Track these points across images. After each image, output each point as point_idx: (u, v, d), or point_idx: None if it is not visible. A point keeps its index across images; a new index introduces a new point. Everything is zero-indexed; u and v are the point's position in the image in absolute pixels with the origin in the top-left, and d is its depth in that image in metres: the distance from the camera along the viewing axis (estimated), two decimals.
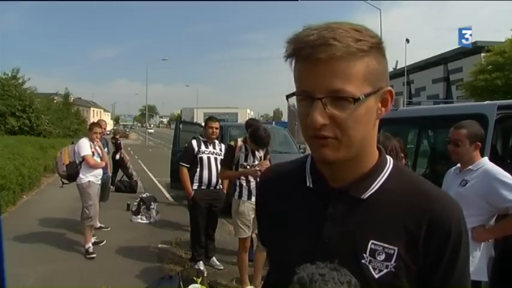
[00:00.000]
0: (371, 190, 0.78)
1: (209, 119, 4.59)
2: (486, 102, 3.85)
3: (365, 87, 0.71)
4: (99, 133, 5.28)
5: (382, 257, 0.75)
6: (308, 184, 0.84)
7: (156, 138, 49.48)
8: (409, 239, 0.75)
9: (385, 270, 0.74)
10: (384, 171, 0.80)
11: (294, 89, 0.77)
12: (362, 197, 0.78)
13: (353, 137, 0.72)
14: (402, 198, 0.77)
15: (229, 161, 3.99)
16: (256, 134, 3.88)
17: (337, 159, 0.74)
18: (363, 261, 0.75)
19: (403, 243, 0.75)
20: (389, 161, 0.83)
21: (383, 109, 0.76)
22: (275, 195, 0.90)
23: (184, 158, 4.50)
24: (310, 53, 0.69)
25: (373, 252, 0.75)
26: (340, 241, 0.77)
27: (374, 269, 0.74)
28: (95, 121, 6.18)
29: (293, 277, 0.70)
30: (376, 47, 0.72)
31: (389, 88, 0.76)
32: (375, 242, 0.75)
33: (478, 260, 2.27)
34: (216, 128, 4.49)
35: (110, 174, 6.54)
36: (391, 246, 0.75)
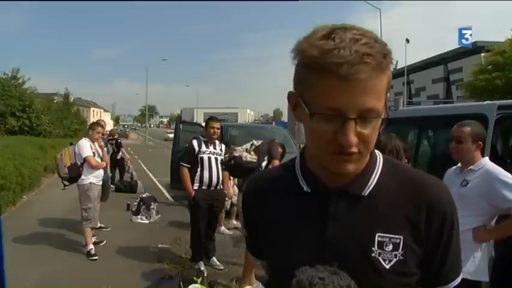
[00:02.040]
0: (370, 186, 0.80)
1: (210, 119, 4.58)
2: (486, 102, 3.85)
3: (384, 100, 0.72)
4: (101, 133, 5.29)
5: (390, 247, 0.77)
6: (305, 189, 0.83)
7: (156, 138, 49.43)
8: (411, 226, 0.78)
9: (395, 260, 0.77)
10: (377, 166, 0.83)
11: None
12: (362, 193, 0.80)
13: (371, 147, 0.76)
14: (398, 189, 0.80)
15: None
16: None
17: (356, 170, 0.77)
18: (372, 254, 0.77)
19: (407, 231, 0.78)
20: (379, 155, 0.85)
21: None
22: (267, 204, 0.88)
23: (185, 158, 4.49)
24: (349, 73, 0.66)
25: (381, 245, 0.77)
26: (347, 239, 0.78)
27: (384, 260, 0.77)
28: (95, 121, 6.17)
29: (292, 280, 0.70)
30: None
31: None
32: (381, 235, 0.77)
33: (478, 260, 2.26)
34: (218, 128, 4.49)
35: (110, 174, 6.54)
36: (396, 236, 0.77)
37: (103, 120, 6.65)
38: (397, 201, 0.79)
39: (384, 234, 0.77)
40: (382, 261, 0.77)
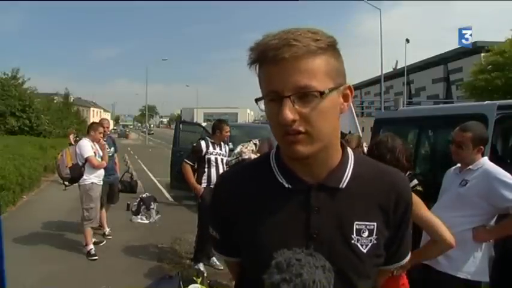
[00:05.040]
0: (346, 179, 0.87)
1: (223, 122, 4.67)
2: (486, 102, 3.85)
3: (328, 83, 0.77)
4: (103, 132, 5.29)
5: (366, 233, 0.85)
6: (286, 186, 0.87)
7: (156, 138, 49.44)
8: (383, 213, 0.87)
9: (370, 244, 0.85)
10: (350, 161, 0.89)
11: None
12: (340, 186, 0.86)
13: (321, 129, 0.78)
14: (370, 181, 0.88)
15: None
16: None
17: (310, 154, 0.79)
18: (352, 241, 0.85)
19: (379, 218, 0.87)
20: (350, 151, 0.92)
21: (345, 104, 0.84)
22: (244, 200, 0.90)
23: (190, 156, 4.56)
24: (275, 55, 0.75)
25: (358, 232, 0.85)
26: (329, 229, 0.84)
27: (362, 246, 0.85)
28: (96, 121, 6.12)
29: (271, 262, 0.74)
30: (333, 45, 0.79)
31: (349, 84, 0.84)
32: (359, 223, 0.85)
33: (479, 261, 2.26)
34: (229, 132, 4.69)
35: (118, 175, 6.47)
36: (371, 223, 0.86)
37: (106, 119, 6.52)
38: (371, 191, 0.87)
39: (361, 222, 0.85)
40: (360, 246, 0.85)
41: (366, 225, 0.85)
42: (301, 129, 0.76)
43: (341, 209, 0.85)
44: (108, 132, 5.99)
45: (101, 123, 5.56)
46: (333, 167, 0.86)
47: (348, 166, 0.88)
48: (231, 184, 0.96)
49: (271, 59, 0.75)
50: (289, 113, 0.75)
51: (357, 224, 0.85)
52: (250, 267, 0.92)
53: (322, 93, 0.75)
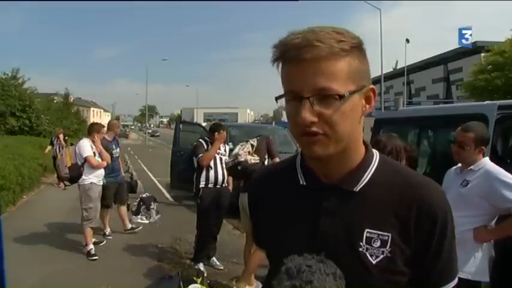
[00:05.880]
0: (362, 183, 0.82)
1: (220, 127, 4.62)
2: (486, 102, 3.85)
3: (349, 85, 0.75)
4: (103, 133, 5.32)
5: (378, 243, 0.79)
6: (301, 182, 0.87)
7: (156, 138, 49.44)
8: (401, 225, 0.79)
9: (381, 256, 0.79)
10: (372, 164, 0.85)
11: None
12: (354, 189, 0.82)
13: (340, 132, 0.76)
14: (391, 188, 0.82)
15: None
16: None
17: (326, 155, 0.77)
18: (360, 249, 0.79)
19: (396, 229, 0.79)
20: (376, 154, 0.87)
21: (367, 106, 0.81)
22: (269, 196, 0.93)
23: (198, 151, 4.51)
24: (296, 55, 0.73)
25: (369, 240, 0.79)
26: (337, 233, 0.81)
27: (371, 256, 0.79)
28: (96, 121, 6.16)
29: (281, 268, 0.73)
30: (357, 47, 0.77)
31: (372, 86, 0.81)
32: (370, 231, 0.80)
33: (479, 261, 2.27)
34: (223, 137, 4.67)
35: (124, 174, 6.49)
36: (385, 233, 0.79)
37: (117, 123, 6.56)
38: (388, 199, 0.81)
39: (373, 231, 0.79)
40: (369, 256, 0.79)
41: (378, 234, 0.79)
42: (320, 131, 0.75)
43: (352, 213, 0.81)
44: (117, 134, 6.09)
45: (111, 124, 5.60)
46: (352, 168, 0.83)
47: (368, 169, 0.83)
48: (261, 180, 1.00)
49: (292, 59, 0.74)
50: (308, 115, 0.74)
51: (367, 232, 0.79)
52: (270, 262, 0.95)
53: (341, 97, 0.74)
